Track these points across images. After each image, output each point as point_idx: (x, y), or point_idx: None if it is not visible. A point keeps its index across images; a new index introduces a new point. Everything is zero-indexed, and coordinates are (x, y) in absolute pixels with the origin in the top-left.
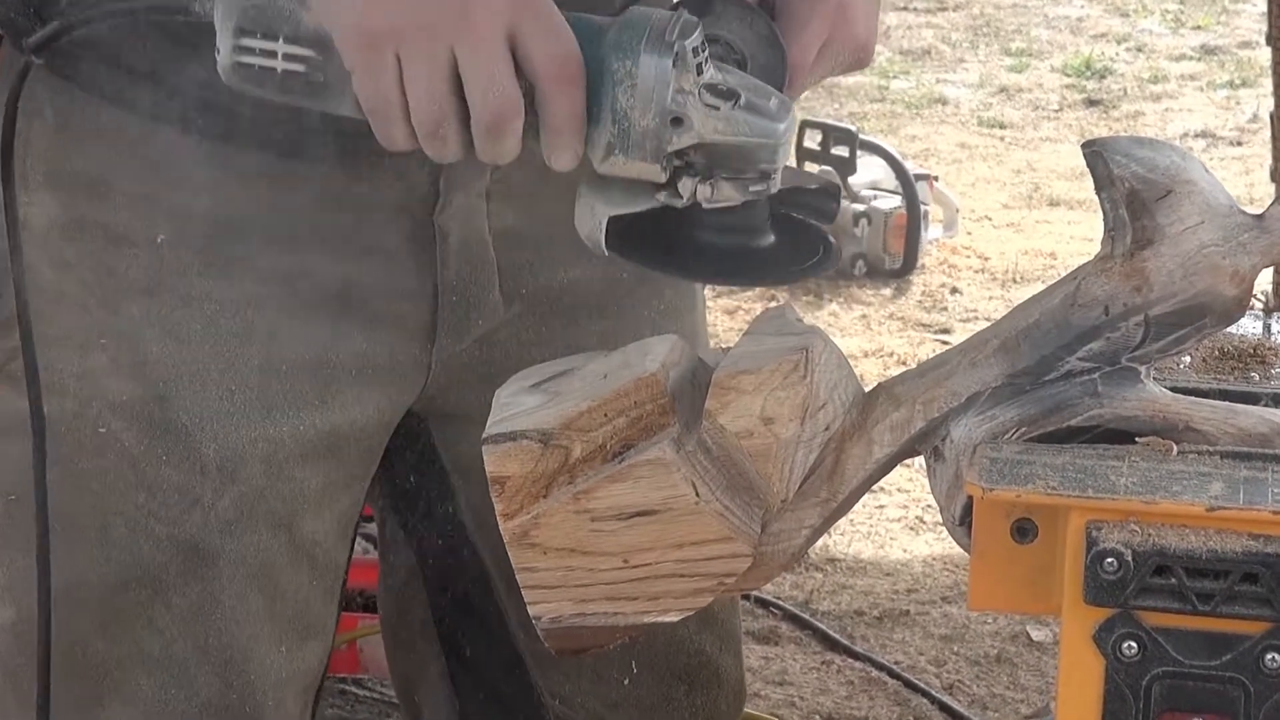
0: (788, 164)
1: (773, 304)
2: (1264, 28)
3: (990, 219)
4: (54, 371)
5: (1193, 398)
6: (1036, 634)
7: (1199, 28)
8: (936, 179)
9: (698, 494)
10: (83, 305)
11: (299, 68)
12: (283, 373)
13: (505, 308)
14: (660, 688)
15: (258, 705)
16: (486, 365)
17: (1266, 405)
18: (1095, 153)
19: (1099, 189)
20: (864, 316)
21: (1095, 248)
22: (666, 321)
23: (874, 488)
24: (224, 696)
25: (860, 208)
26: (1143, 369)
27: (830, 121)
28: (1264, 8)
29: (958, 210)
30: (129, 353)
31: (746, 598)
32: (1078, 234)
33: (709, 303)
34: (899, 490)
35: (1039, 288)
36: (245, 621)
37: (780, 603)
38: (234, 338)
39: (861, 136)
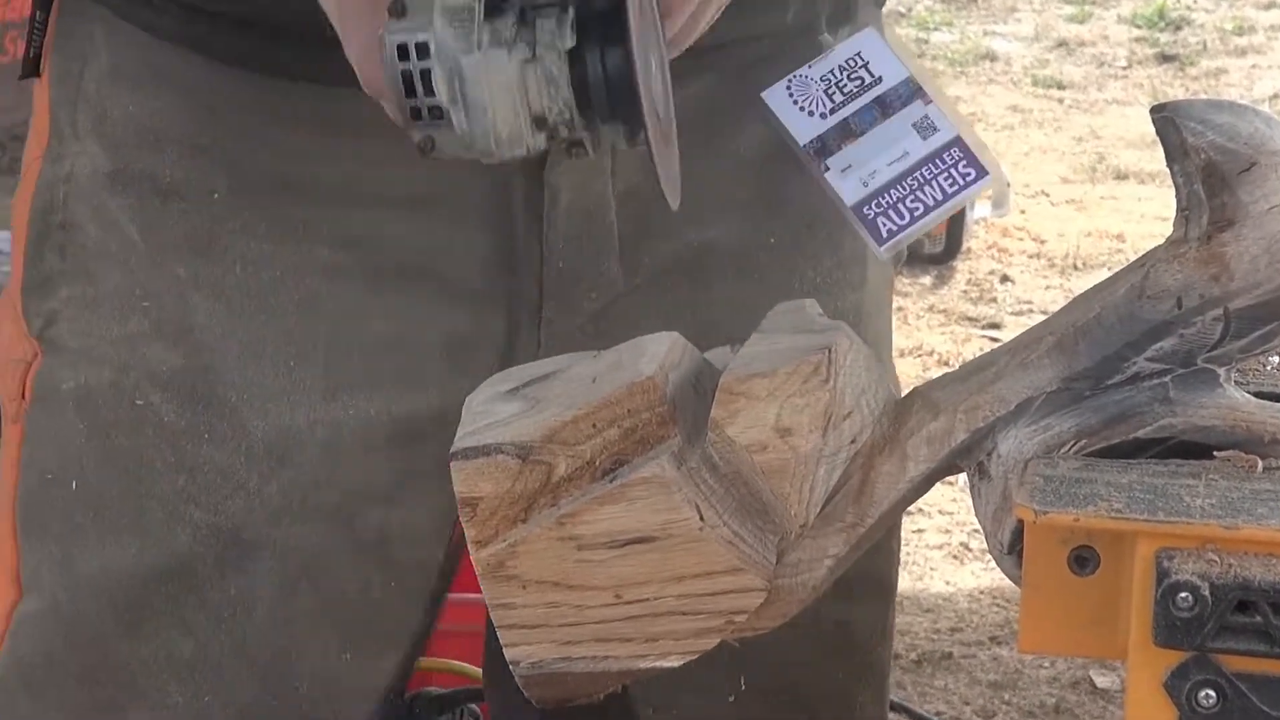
0: None
1: None
2: None
3: (1047, 195)
4: (91, 337)
5: None
6: (1101, 680)
7: None
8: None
9: (702, 518)
10: (125, 264)
11: None
12: (354, 350)
13: (625, 280)
14: (774, 714)
15: (306, 716)
16: (604, 341)
17: None
18: (1166, 118)
19: (1170, 161)
20: (900, 309)
21: (1169, 229)
22: (824, 296)
23: (910, 510)
24: (265, 704)
25: None
26: (1222, 371)
27: None
28: None
29: (1009, 185)
30: (173, 317)
31: None
32: (1149, 212)
33: None
34: (940, 513)
35: (1104, 276)
36: (292, 622)
37: None
38: (296, 308)
39: None
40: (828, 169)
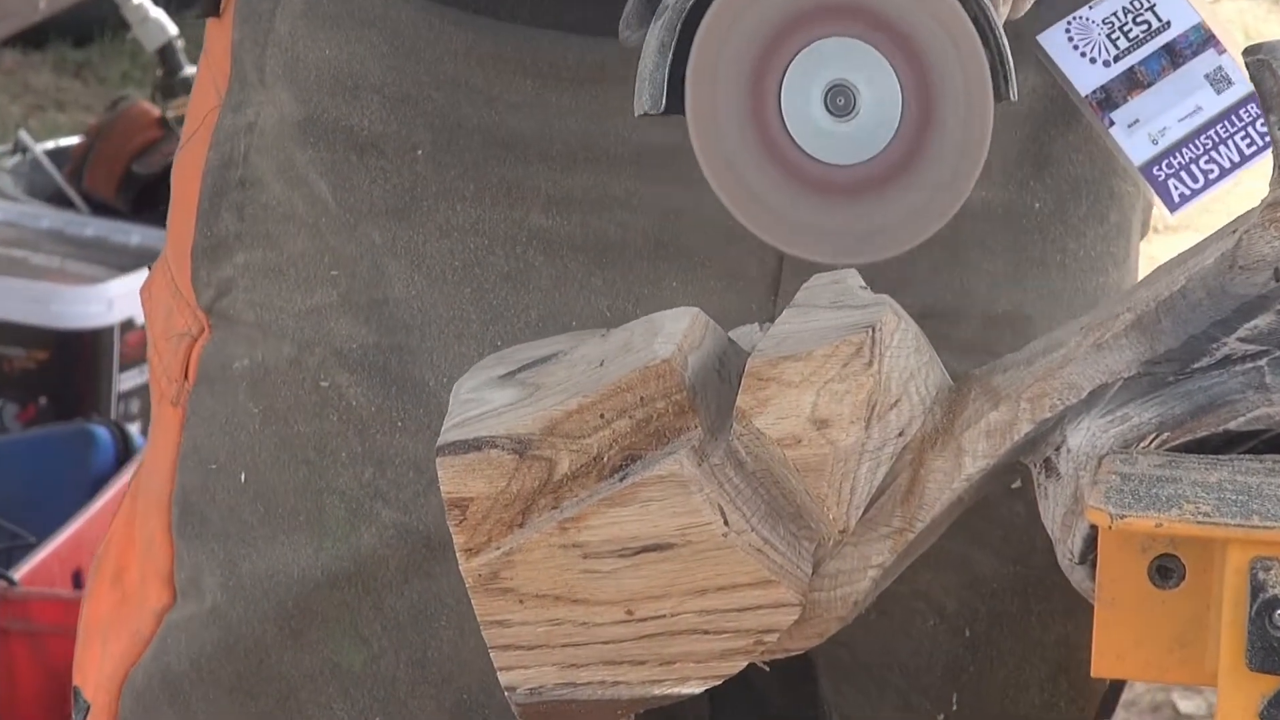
0: None
1: None
2: None
3: None
4: (271, 309)
5: None
6: (1185, 704)
7: None
8: None
9: (727, 522)
10: (313, 227)
11: None
12: (570, 329)
13: None
14: None
15: None
16: None
17: None
18: (1261, 61)
19: (1266, 110)
20: None
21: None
22: (1085, 272)
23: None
24: None
25: None
26: None
27: None
28: None
29: None
30: (365, 289)
31: None
32: (1254, 169)
33: None
34: None
35: (1195, 242)
36: (476, 634)
37: None
38: (506, 281)
39: None
40: (1112, 123)
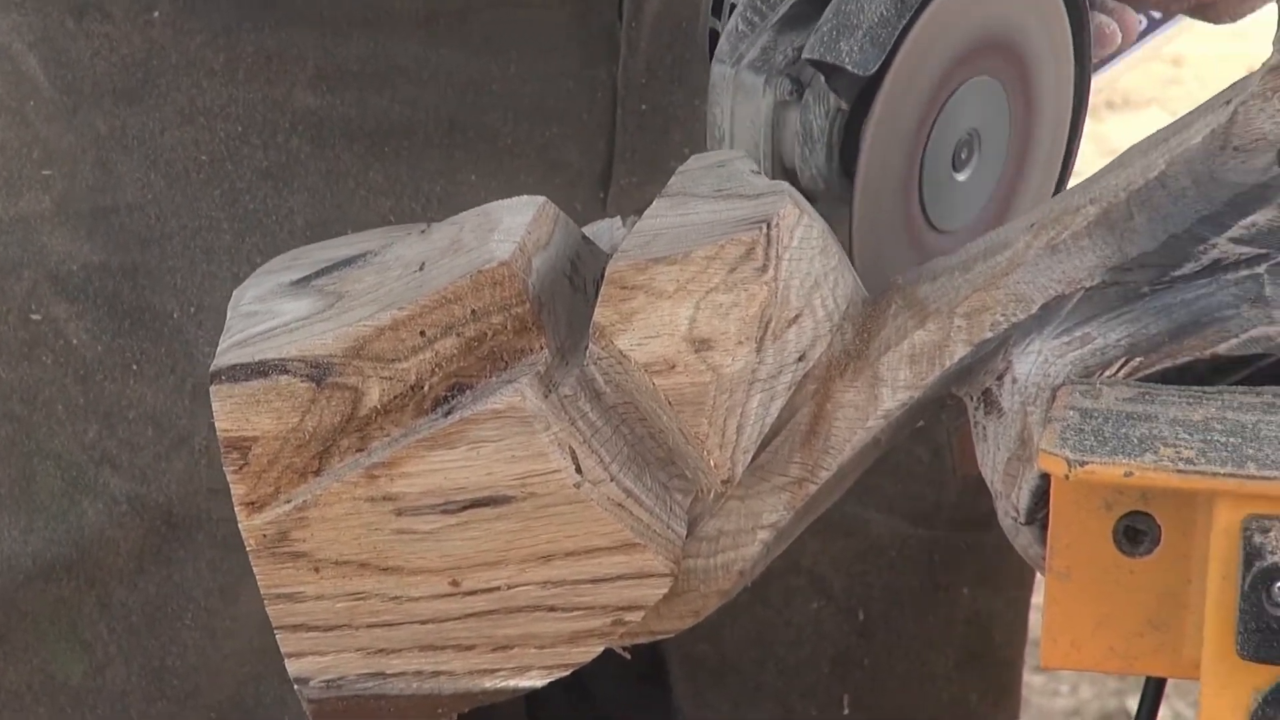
0: None
1: None
2: None
3: None
4: None
5: None
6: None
7: None
8: None
9: (579, 469)
10: (16, 112)
11: None
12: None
13: None
14: None
15: None
16: None
17: None
18: None
19: None
20: None
21: (1248, 50)
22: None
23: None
24: None
25: None
26: None
27: None
28: None
29: None
30: (87, 192)
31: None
32: (1222, 27)
33: None
34: None
35: (1156, 118)
36: (231, 637)
37: None
38: (264, 179)
39: None
40: None
